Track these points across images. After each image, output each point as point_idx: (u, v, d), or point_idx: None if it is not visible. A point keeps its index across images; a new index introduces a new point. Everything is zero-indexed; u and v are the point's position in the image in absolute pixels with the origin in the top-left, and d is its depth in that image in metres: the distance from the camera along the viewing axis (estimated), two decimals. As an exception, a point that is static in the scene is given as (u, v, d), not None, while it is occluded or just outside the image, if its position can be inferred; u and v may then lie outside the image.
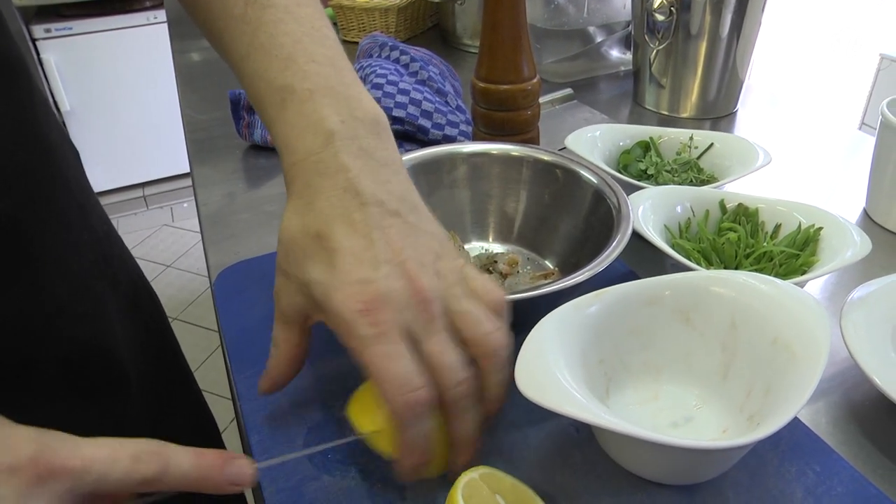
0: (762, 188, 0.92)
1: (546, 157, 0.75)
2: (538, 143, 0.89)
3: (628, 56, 1.34)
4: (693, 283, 0.57)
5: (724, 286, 0.56)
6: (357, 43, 1.48)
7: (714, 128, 1.15)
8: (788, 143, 1.09)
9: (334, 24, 1.62)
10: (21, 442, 0.38)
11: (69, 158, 0.67)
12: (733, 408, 0.55)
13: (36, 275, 0.58)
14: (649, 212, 0.70)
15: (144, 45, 3.04)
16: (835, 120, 1.16)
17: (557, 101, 1.18)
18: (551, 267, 0.74)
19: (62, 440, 0.40)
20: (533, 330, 0.50)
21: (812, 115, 1.19)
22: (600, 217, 0.68)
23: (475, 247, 0.78)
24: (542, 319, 0.51)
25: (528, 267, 0.75)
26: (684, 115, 1.17)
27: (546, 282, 0.68)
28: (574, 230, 0.73)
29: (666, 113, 1.18)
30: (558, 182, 0.74)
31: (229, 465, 0.44)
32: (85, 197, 0.69)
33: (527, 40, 0.82)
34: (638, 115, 1.20)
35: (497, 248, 0.77)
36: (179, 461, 0.42)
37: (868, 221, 0.87)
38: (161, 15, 3.01)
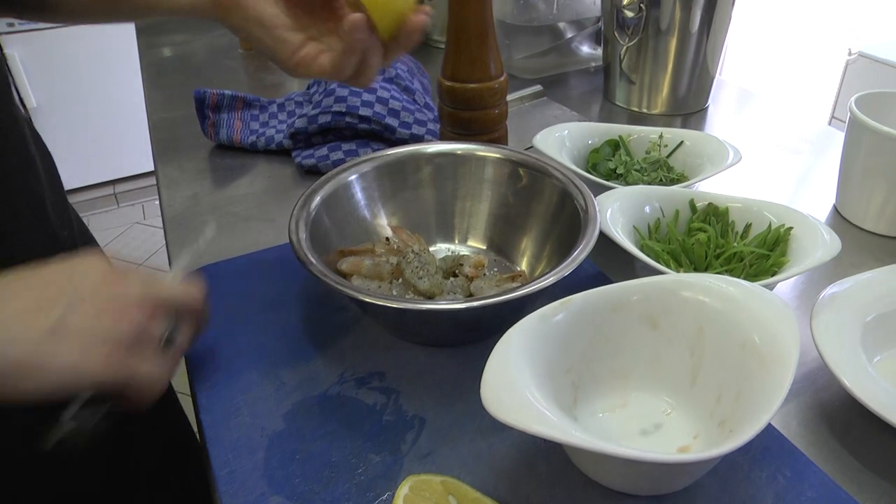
0: (733, 186, 0.91)
1: (512, 157, 0.73)
2: (506, 142, 0.88)
3: (599, 52, 1.33)
4: (660, 287, 0.56)
5: (691, 290, 0.55)
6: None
7: (685, 124, 1.14)
8: (759, 139, 1.08)
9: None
10: None
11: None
12: (704, 413, 0.54)
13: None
14: (618, 213, 0.69)
15: (113, 39, 2.99)
16: (805, 115, 1.16)
17: (527, 98, 1.17)
18: (518, 269, 0.72)
19: None
20: (497, 344, 0.49)
21: (782, 110, 1.19)
22: (567, 218, 0.67)
23: (441, 248, 0.76)
24: (507, 333, 0.50)
25: (496, 269, 0.73)
26: (655, 111, 1.16)
27: (512, 285, 0.67)
28: (541, 231, 0.71)
29: (636, 109, 1.17)
30: (524, 182, 0.73)
31: None
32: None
33: (493, 38, 0.80)
34: (608, 111, 1.19)
35: (463, 249, 0.76)
36: None
37: (838, 218, 0.87)
38: (129, 10, 2.95)
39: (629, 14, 1.09)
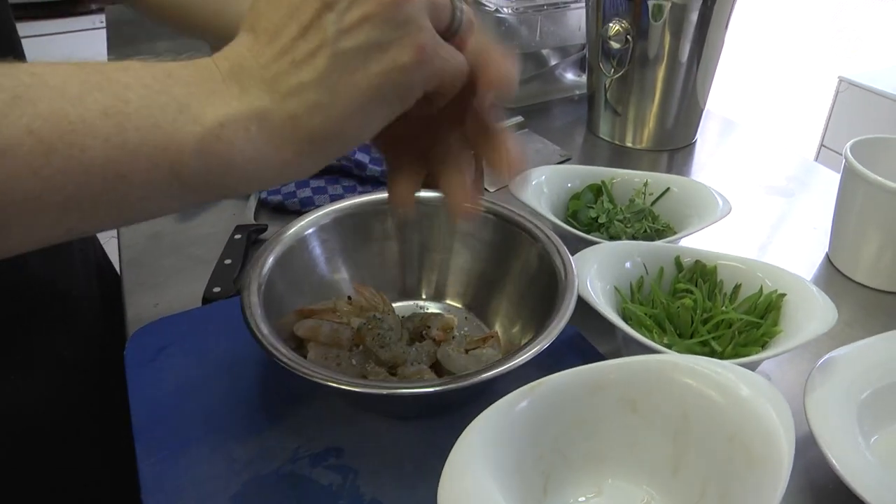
0: (720, 232, 0.86)
1: (487, 208, 0.69)
2: (482, 182, 0.83)
3: (583, 79, 1.28)
4: (642, 368, 0.51)
5: (677, 372, 0.50)
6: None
7: (671, 161, 1.10)
8: (747, 179, 1.04)
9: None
10: None
11: None
12: (686, 508, 0.49)
13: None
14: (598, 273, 0.64)
15: (88, 50, 2.94)
16: (792, 148, 1.12)
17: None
18: (490, 330, 0.68)
19: None
20: (457, 442, 0.44)
21: (769, 143, 1.15)
22: (545, 279, 0.62)
23: (408, 305, 0.71)
24: (467, 428, 0.45)
25: (466, 328, 0.68)
26: (640, 146, 1.12)
27: (484, 349, 0.62)
28: (515, 291, 0.67)
29: (620, 144, 1.13)
30: (500, 237, 0.68)
31: None
32: None
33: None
34: (592, 144, 1.14)
35: (432, 306, 0.71)
36: None
37: (830, 269, 0.83)
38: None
39: (615, 45, 1.05)
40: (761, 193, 1.00)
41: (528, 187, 0.77)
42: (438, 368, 0.61)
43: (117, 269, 0.89)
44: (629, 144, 1.12)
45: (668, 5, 1.00)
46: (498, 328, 0.68)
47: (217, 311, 0.72)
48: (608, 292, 0.64)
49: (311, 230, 0.67)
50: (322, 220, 0.68)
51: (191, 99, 0.36)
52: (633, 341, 0.59)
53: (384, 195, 0.69)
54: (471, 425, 0.45)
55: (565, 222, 0.76)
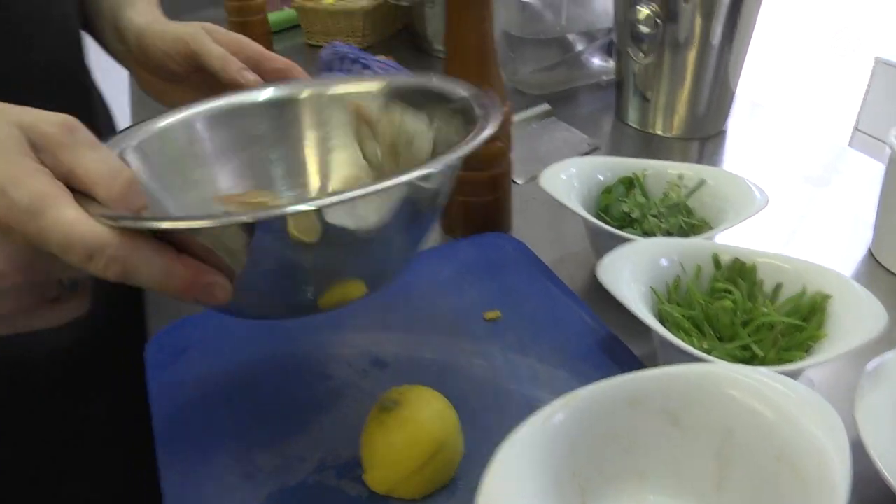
0: (756, 227, 0.83)
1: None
2: (510, 175, 0.81)
3: (610, 64, 1.25)
4: (682, 378, 0.49)
5: (721, 384, 0.48)
6: (321, 47, 1.39)
7: (702, 149, 1.06)
8: (780, 167, 1.01)
9: (296, 26, 1.52)
10: None
11: None
12: (731, 527, 0.47)
13: None
14: (632, 275, 0.61)
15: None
16: (825, 131, 1.08)
17: (534, 118, 1.09)
18: None
19: None
20: (493, 460, 0.42)
21: (801, 128, 1.11)
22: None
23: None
24: (503, 445, 0.43)
25: None
26: (670, 133, 1.08)
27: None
28: None
29: (650, 131, 1.10)
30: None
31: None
32: None
33: (494, 65, 0.73)
34: (620, 133, 1.11)
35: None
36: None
37: (873, 264, 0.79)
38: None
39: (645, 29, 1.02)
40: (795, 182, 0.97)
41: (558, 181, 0.74)
42: None
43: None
44: (659, 132, 1.09)
45: (699, -14, 0.96)
46: None
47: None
48: (644, 293, 0.61)
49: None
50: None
51: None
52: (671, 346, 0.56)
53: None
54: (506, 441, 0.43)
55: (597, 216, 0.73)
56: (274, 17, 1.46)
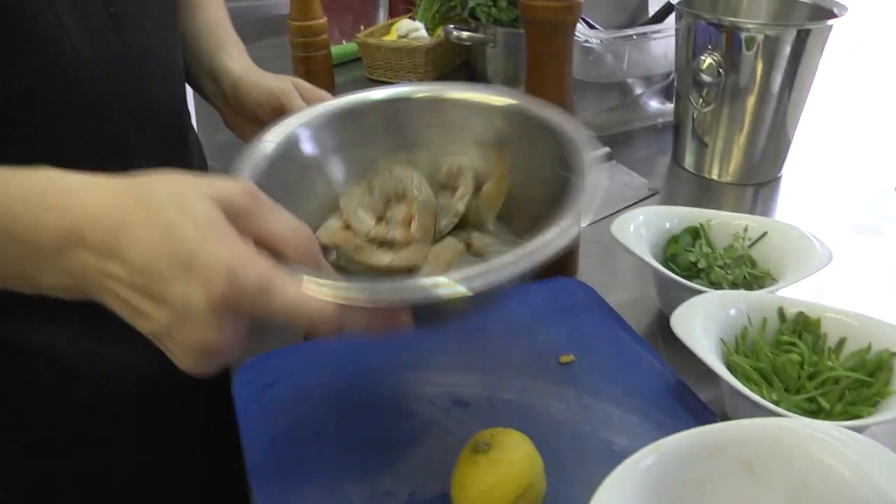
0: (815, 278, 0.86)
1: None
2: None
3: (668, 107, 1.28)
4: (759, 431, 0.52)
5: (795, 438, 0.51)
6: (382, 82, 1.44)
7: (757, 194, 1.09)
8: (835, 213, 1.03)
9: (357, 59, 1.57)
10: None
11: None
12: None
13: None
14: (703, 327, 0.65)
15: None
16: (878, 180, 1.11)
17: (595, 160, 1.13)
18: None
19: None
20: (596, 497, 0.45)
21: (854, 175, 1.14)
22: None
23: None
24: (600, 487, 0.47)
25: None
26: (726, 178, 1.11)
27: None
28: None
29: (706, 176, 1.13)
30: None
31: None
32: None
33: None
34: (675, 176, 1.14)
35: None
36: None
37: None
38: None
39: (707, 78, 1.05)
40: (851, 231, 0.99)
41: (628, 230, 0.77)
42: None
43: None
44: (714, 177, 1.12)
45: (760, 37, 1.00)
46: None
47: (319, 348, 0.74)
48: (714, 345, 0.65)
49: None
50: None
51: None
52: (740, 396, 0.60)
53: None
54: (602, 484, 0.47)
55: (664, 265, 0.77)
56: (335, 50, 1.51)
